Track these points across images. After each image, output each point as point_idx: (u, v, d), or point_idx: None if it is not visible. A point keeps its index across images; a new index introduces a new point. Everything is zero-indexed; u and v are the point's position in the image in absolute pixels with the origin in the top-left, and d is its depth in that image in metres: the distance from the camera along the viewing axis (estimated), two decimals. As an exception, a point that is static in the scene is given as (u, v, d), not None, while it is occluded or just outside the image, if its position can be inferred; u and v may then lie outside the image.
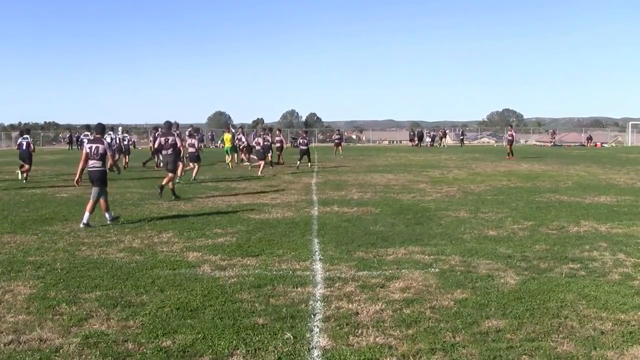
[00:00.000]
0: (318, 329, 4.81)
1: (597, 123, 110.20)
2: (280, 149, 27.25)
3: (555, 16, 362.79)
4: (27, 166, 17.95)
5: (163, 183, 13.59)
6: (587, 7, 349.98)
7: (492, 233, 8.93)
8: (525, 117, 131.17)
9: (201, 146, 24.78)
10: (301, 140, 25.29)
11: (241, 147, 25.93)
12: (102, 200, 9.98)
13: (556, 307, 5.35)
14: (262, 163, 21.17)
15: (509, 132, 33.75)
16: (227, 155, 25.02)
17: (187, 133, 19.21)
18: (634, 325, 4.88)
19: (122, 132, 26.26)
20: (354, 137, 69.92)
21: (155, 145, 15.89)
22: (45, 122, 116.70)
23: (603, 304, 5.41)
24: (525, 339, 4.57)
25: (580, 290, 5.86)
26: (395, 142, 68.18)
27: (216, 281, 6.27)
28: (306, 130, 32.60)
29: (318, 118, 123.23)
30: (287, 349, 4.42)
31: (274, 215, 10.85)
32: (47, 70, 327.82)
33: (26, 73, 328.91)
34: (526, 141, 66.68)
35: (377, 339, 4.58)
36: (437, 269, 6.70)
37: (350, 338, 4.62)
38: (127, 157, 24.23)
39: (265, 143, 22.77)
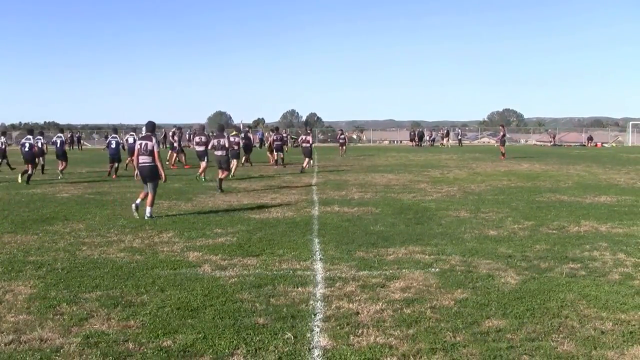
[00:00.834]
0: (318, 329, 4.81)
1: (598, 123, 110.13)
2: (280, 148, 27.13)
3: (555, 16, 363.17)
4: (64, 164, 20.11)
5: (220, 177, 14.97)
6: (587, 7, 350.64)
7: (492, 233, 8.93)
8: (525, 117, 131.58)
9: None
10: (304, 137, 24.06)
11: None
12: (150, 194, 10.50)
13: (556, 307, 5.35)
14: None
15: (501, 132, 32.57)
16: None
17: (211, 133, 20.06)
18: (634, 325, 4.88)
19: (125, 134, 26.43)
20: (354, 137, 69.79)
21: (209, 147, 16.95)
22: (45, 122, 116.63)
23: (603, 304, 5.41)
24: (526, 339, 4.58)
25: (580, 290, 5.86)
26: (395, 142, 68.08)
27: (217, 281, 6.28)
28: (311, 129, 32.41)
29: (318, 118, 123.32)
30: (287, 348, 4.42)
31: (274, 215, 10.86)
32: (47, 70, 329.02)
33: (26, 73, 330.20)
34: (526, 141, 66.68)
35: (377, 339, 4.58)
36: (437, 269, 6.70)
37: (351, 338, 4.62)
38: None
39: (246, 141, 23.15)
